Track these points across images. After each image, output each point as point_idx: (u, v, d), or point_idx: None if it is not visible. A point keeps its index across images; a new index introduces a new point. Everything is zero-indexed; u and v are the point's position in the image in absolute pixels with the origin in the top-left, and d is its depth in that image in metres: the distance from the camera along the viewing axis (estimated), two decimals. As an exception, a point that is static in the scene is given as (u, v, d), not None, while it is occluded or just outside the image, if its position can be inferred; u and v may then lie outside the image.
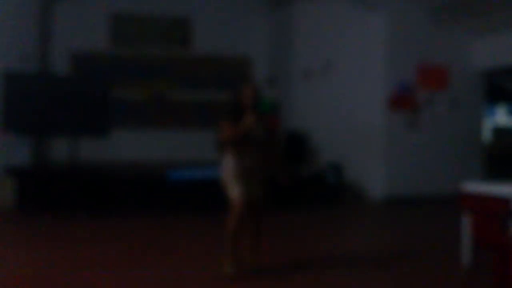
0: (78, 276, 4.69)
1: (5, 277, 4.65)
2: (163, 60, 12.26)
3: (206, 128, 11.72)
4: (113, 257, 5.39)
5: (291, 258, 5.30)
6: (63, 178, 8.08)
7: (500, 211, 3.86)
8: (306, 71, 11.15)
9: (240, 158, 4.58)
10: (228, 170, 4.64)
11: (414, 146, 10.18)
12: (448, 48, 10.50)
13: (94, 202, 7.93)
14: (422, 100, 10.30)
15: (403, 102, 10.00)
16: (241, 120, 4.46)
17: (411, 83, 10.12)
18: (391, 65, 10.03)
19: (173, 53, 12.31)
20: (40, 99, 7.86)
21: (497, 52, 10.29)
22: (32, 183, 7.77)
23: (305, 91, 11.17)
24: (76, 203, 7.66)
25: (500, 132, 20.94)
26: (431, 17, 10.27)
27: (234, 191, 4.52)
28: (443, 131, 10.46)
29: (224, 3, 12.27)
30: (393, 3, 9.98)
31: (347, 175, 9.83)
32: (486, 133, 15.67)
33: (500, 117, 27.02)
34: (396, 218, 8.67)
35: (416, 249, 6.06)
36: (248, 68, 12.74)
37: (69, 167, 8.01)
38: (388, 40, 10.04)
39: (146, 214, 7.81)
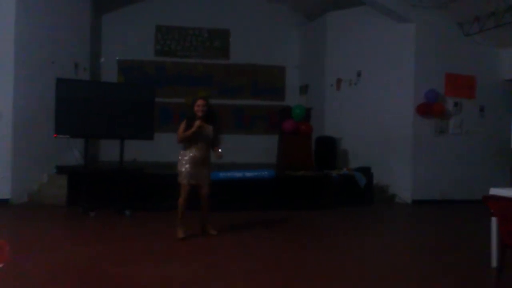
0: (125, 268, 4.88)
1: (60, 268, 4.86)
2: (204, 69, 12.87)
3: (240, 132, 12.33)
4: (159, 250, 5.71)
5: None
6: (110, 177, 8.58)
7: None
8: (337, 80, 11.45)
9: (190, 150, 6.09)
10: (180, 161, 6.15)
11: (442, 151, 10.44)
12: (475, 58, 10.74)
13: (138, 200, 8.39)
14: (450, 107, 10.56)
15: (432, 109, 10.19)
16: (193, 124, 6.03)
17: (440, 91, 10.37)
18: (421, 74, 10.31)
19: (214, 62, 12.90)
20: (91, 105, 8.04)
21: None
22: (82, 181, 8.21)
23: (336, 98, 11.44)
24: (121, 200, 8.10)
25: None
26: (460, 28, 10.55)
27: (181, 176, 6.10)
28: (471, 137, 10.68)
29: (260, 16, 12.88)
30: (423, 14, 10.27)
31: (377, 179, 10.09)
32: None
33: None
34: (425, 220, 8.89)
35: (446, 250, 6.21)
36: (281, 77, 13.23)
37: (116, 167, 8.42)
38: (418, 49, 10.33)
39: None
